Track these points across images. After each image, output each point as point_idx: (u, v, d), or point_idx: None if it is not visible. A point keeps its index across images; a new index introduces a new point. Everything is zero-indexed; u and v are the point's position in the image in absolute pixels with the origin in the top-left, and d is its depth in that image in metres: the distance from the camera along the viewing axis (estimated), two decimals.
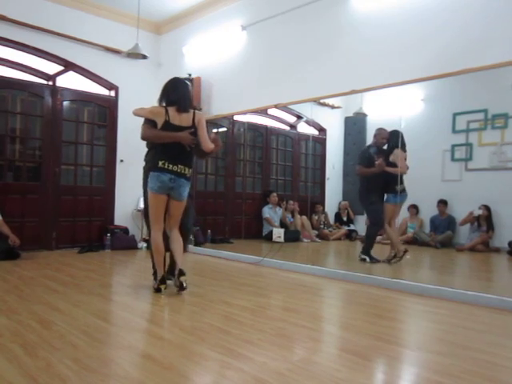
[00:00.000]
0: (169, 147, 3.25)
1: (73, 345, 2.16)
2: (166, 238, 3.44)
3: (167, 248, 3.42)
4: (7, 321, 2.54)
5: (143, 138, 3.32)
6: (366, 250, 4.68)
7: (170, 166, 3.22)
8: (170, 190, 3.26)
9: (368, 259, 4.61)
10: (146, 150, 3.62)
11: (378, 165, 4.59)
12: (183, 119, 3.28)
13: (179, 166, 3.25)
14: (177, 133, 3.24)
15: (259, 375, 1.84)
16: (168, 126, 3.24)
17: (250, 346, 2.20)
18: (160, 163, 3.22)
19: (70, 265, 4.61)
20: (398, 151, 4.53)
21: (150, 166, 3.32)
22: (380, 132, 4.78)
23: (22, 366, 1.89)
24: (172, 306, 3.08)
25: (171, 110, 3.26)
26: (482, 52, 3.49)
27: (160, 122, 3.24)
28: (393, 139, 4.64)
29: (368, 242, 4.74)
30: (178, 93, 3.32)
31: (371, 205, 4.73)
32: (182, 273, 3.30)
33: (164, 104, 3.32)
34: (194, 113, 3.35)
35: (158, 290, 3.31)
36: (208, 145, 3.35)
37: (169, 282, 3.43)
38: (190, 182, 3.37)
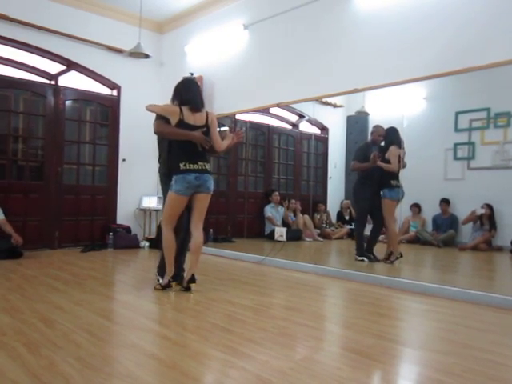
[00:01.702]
0: (184, 148, 3.28)
1: (76, 343, 2.17)
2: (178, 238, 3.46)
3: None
4: (10, 319, 2.55)
5: (157, 133, 3.33)
6: (360, 251, 4.64)
7: (191, 165, 3.26)
8: (198, 188, 3.29)
9: (366, 259, 4.58)
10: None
11: (371, 158, 4.55)
12: (197, 119, 3.31)
13: (199, 163, 3.29)
14: (191, 131, 3.26)
15: (262, 374, 1.85)
16: (182, 124, 3.25)
17: (252, 345, 2.20)
18: (181, 166, 3.25)
19: (72, 264, 4.62)
20: (392, 148, 4.52)
21: (172, 171, 3.33)
22: (377, 129, 4.76)
23: (26, 364, 1.90)
24: (175, 305, 3.08)
25: (185, 110, 3.28)
26: (485, 50, 3.48)
27: (174, 120, 3.25)
28: (389, 136, 4.62)
29: (358, 242, 4.70)
30: (191, 93, 3.35)
31: (363, 201, 4.69)
32: (193, 279, 3.37)
33: (177, 103, 3.34)
34: (207, 113, 3.39)
35: (165, 287, 3.35)
36: (220, 144, 3.42)
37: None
38: (212, 175, 3.42)
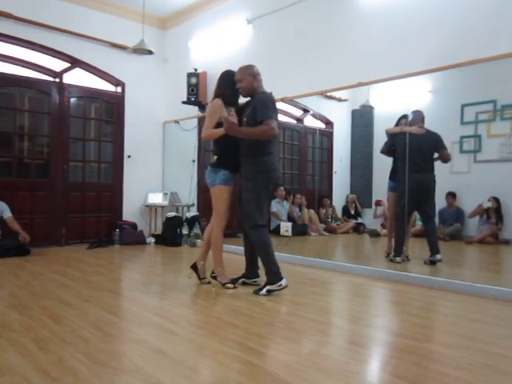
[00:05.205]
0: None
1: (84, 339, 2.19)
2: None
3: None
4: (19, 316, 2.57)
5: None
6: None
7: None
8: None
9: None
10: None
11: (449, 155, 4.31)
12: None
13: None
14: None
15: (269, 368, 1.85)
16: None
17: (259, 340, 2.21)
18: None
19: (79, 260, 4.65)
20: None
21: None
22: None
23: (35, 360, 1.92)
24: (181, 300, 3.10)
25: None
26: (490, 42, 3.45)
27: None
28: None
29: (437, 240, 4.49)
30: None
31: None
32: (193, 266, 3.55)
33: None
34: None
35: (234, 282, 3.48)
36: (201, 135, 3.50)
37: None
38: (217, 167, 3.42)
